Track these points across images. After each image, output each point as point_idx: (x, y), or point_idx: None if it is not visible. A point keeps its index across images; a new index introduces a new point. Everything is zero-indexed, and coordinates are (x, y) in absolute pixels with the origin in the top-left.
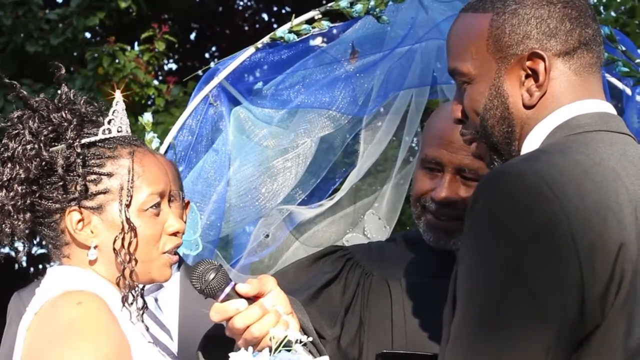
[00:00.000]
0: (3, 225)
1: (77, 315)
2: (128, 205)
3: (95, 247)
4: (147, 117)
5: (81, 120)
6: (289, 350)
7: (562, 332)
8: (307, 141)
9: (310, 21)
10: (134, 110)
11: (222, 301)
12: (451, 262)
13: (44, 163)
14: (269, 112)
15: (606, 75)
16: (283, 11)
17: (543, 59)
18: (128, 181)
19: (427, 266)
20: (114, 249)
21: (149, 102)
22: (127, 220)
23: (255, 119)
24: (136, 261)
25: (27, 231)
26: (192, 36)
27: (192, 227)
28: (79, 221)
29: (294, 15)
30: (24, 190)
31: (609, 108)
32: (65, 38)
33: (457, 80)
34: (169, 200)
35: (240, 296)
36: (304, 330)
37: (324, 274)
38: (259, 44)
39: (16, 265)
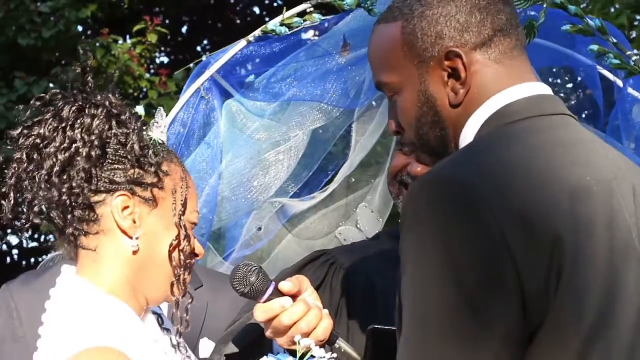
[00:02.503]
0: (63, 190)
1: None
2: (183, 211)
3: (137, 238)
4: (139, 110)
5: (143, 119)
6: (312, 358)
7: (508, 336)
8: (300, 134)
9: (302, 14)
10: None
11: (266, 301)
12: None
13: (116, 139)
14: (261, 105)
15: (598, 67)
16: (275, 4)
17: (460, 56)
18: (181, 187)
19: None
20: (169, 252)
21: (141, 96)
22: (183, 225)
23: (248, 112)
24: (190, 269)
25: (79, 207)
26: (184, 29)
27: None
28: (125, 208)
29: (285, 8)
30: (95, 152)
31: (543, 89)
32: (57, 31)
33: (386, 93)
34: None
35: (282, 295)
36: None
37: None
38: (251, 37)
39: (8, 259)
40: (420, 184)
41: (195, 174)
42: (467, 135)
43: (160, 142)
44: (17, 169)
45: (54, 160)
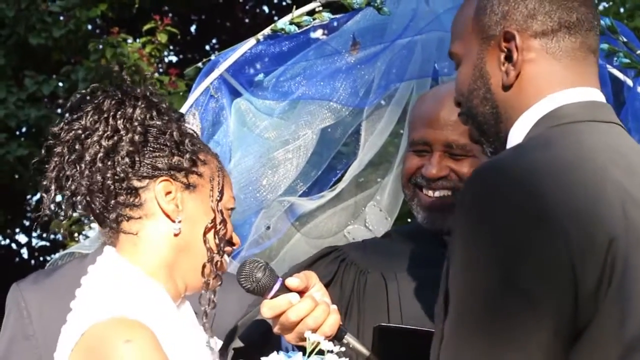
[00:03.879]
0: (108, 175)
1: (125, 357)
2: (220, 197)
3: (179, 222)
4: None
5: (179, 112)
6: (321, 353)
7: (559, 329)
8: (308, 133)
9: (311, 13)
10: None
11: (272, 298)
12: (446, 251)
13: (159, 127)
14: (270, 103)
15: (607, 66)
16: (284, 3)
17: (514, 38)
18: (218, 176)
19: (422, 258)
20: (204, 234)
21: None
22: (220, 210)
23: (256, 111)
24: (224, 252)
25: (124, 191)
26: (193, 28)
27: None
28: (168, 193)
29: (294, 7)
30: (138, 138)
31: (597, 96)
32: (67, 30)
33: (454, 62)
34: None
35: (289, 291)
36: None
37: (319, 280)
38: (260, 36)
39: (17, 258)
40: (483, 170)
41: None
42: (520, 128)
43: (196, 134)
44: (58, 161)
45: (97, 147)
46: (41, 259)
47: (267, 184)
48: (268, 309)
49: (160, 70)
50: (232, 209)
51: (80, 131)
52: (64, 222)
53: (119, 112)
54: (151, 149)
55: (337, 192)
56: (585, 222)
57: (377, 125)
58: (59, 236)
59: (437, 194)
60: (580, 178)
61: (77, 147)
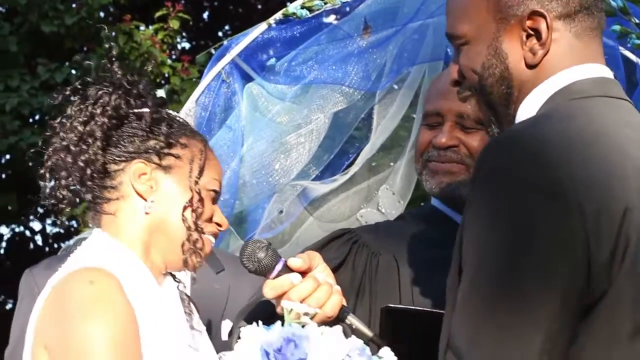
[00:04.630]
0: (79, 158)
1: (87, 295)
2: (199, 177)
3: (152, 201)
4: (160, 93)
5: (163, 99)
6: (303, 326)
7: (568, 299)
8: (321, 117)
9: None
10: None
11: (275, 278)
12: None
13: (133, 112)
14: (282, 88)
15: (619, 48)
16: None
17: (544, 17)
18: (200, 158)
19: (435, 240)
20: (182, 213)
21: (163, 82)
22: (198, 190)
23: (269, 95)
24: (202, 230)
25: (95, 173)
26: (205, 15)
27: None
28: (142, 174)
29: None
30: (107, 129)
31: (608, 73)
32: (80, 17)
33: (454, 42)
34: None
35: (292, 271)
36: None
37: (330, 261)
38: (272, 20)
39: (31, 245)
40: (500, 140)
41: (216, 157)
42: (532, 101)
43: (182, 120)
44: (50, 151)
45: (75, 131)
46: (55, 245)
47: (279, 168)
48: (270, 289)
49: (173, 57)
50: (215, 191)
51: (65, 119)
52: (75, 209)
53: (100, 100)
54: (127, 133)
55: (349, 175)
56: (600, 194)
57: (390, 109)
58: (73, 223)
59: (445, 165)
60: (595, 151)
61: (61, 135)
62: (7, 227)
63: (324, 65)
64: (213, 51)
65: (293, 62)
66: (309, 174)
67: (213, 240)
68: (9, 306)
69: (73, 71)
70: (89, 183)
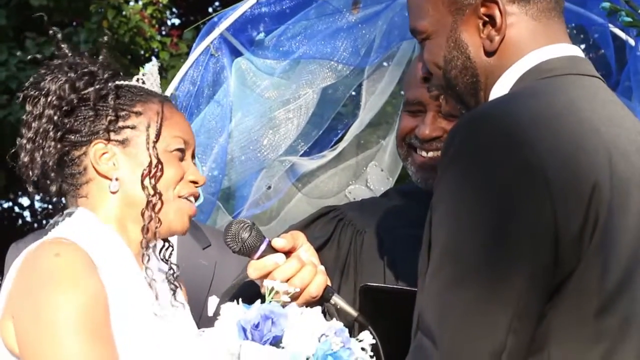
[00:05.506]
0: (35, 157)
1: (53, 267)
2: (155, 142)
3: (116, 179)
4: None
5: (117, 71)
6: (283, 306)
7: (535, 277)
8: (309, 92)
9: None
10: (137, 64)
11: (259, 258)
12: None
13: (78, 96)
14: (270, 63)
15: (609, 25)
16: None
17: (496, 3)
18: (156, 121)
19: (421, 217)
20: (141, 182)
21: (153, 56)
22: (155, 155)
23: (257, 70)
24: (160, 195)
25: (55, 167)
26: None
27: None
28: (103, 154)
29: None
30: (56, 118)
31: (576, 51)
32: None
33: (417, 38)
34: (193, 155)
35: (276, 251)
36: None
37: (316, 239)
38: None
39: (19, 221)
40: (469, 118)
41: (204, 132)
42: (502, 85)
43: (135, 85)
44: (19, 147)
45: (30, 128)
46: (44, 222)
47: (267, 143)
48: (254, 269)
49: (163, 32)
50: (179, 149)
51: (26, 116)
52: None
53: (47, 92)
54: (79, 117)
55: (338, 152)
56: (569, 170)
57: (378, 85)
58: (63, 199)
59: (430, 154)
60: (565, 128)
61: (23, 131)
62: None
63: (313, 40)
64: (202, 26)
65: (282, 37)
66: (297, 150)
67: (192, 201)
68: None
69: (63, 45)
70: (53, 174)
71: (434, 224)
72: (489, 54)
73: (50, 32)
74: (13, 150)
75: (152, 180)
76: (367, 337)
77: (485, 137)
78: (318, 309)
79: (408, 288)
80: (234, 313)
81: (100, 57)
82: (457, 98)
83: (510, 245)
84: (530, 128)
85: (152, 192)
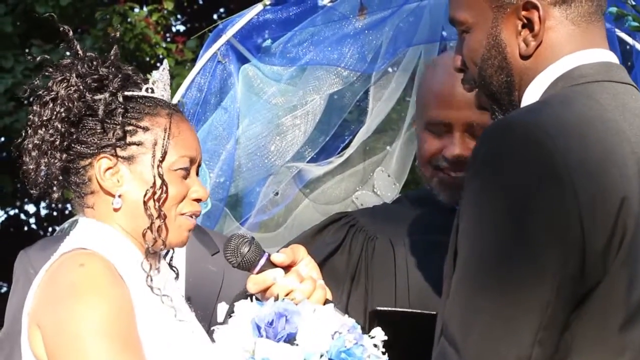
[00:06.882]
0: (39, 164)
1: (78, 278)
2: (161, 161)
3: (120, 196)
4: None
5: (126, 77)
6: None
7: (562, 287)
8: (316, 98)
9: None
10: (143, 70)
11: (258, 272)
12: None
13: (85, 106)
14: (277, 69)
15: (616, 30)
16: None
17: (537, 8)
18: (163, 139)
19: (432, 224)
20: (144, 202)
21: (158, 64)
22: (160, 175)
23: (264, 77)
24: (165, 216)
25: (60, 175)
26: None
27: None
28: (108, 169)
29: None
30: (63, 129)
31: (612, 57)
32: None
33: (457, 28)
34: (198, 168)
35: (275, 266)
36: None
37: (327, 245)
38: (267, 1)
39: (25, 227)
40: (497, 126)
41: (212, 139)
42: (535, 89)
43: (144, 95)
44: (24, 151)
45: (35, 135)
46: (50, 229)
47: (275, 150)
48: (253, 284)
49: (168, 39)
50: (184, 169)
51: (31, 116)
52: (69, 192)
53: (54, 101)
54: (85, 129)
55: (345, 158)
56: (598, 181)
57: (385, 91)
58: (68, 206)
59: (460, 174)
60: (596, 137)
61: (29, 134)
62: (2, 209)
63: (320, 46)
64: (207, 34)
65: (288, 43)
66: (304, 156)
67: (191, 224)
68: (4, 289)
69: (67, 53)
70: (57, 182)
71: (460, 231)
72: (524, 57)
73: (61, 29)
74: (16, 151)
75: (157, 203)
76: (379, 334)
77: (514, 146)
78: (331, 305)
79: (419, 311)
80: (249, 310)
81: (111, 55)
82: (490, 95)
83: (537, 255)
84: (559, 138)
85: (155, 214)
